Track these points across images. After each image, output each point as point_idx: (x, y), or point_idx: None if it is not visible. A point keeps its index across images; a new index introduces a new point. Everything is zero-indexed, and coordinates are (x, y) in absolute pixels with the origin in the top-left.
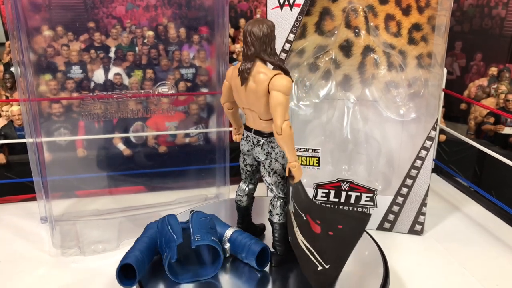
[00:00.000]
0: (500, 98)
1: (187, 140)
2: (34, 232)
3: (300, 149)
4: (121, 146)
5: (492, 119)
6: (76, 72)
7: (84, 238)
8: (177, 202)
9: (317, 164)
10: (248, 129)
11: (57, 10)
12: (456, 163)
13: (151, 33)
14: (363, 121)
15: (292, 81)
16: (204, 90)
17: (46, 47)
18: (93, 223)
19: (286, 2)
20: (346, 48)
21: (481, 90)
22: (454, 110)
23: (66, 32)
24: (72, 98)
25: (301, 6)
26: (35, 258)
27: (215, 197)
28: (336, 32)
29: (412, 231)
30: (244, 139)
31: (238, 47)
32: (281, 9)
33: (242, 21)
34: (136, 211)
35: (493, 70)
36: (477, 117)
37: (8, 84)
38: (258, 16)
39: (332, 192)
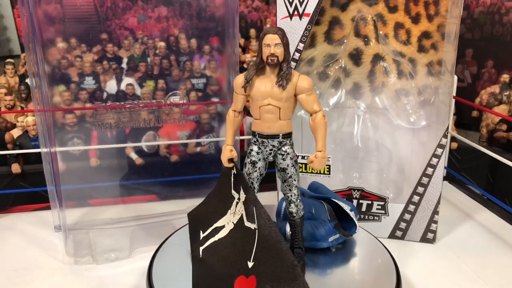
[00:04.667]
0: None
1: (198, 149)
2: (48, 241)
3: None
4: (133, 156)
5: (504, 126)
6: (89, 83)
7: (97, 247)
8: (188, 211)
9: (328, 172)
10: None
11: (71, 23)
12: (468, 171)
13: (162, 44)
14: (374, 129)
15: (246, 81)
16: (215, 99)
17: (60, 59)
18: (106, 231)
19: (296, 12)
20: (355, 57)
21: (493, 97)
22: (465, 118)
23: (80, 43)
24: (85, 108)
25: (310, 15)
26: (48, 266)
27: None
28: (345, 41)
29: (424, 239)
30: None
31: (248, 57)
32: (291, 19)
33: (252, 31)
34: (148, 220)
35: (505, 77)
36: (489, 125)
37: (23, 95)
38: (268, 26)
39: None
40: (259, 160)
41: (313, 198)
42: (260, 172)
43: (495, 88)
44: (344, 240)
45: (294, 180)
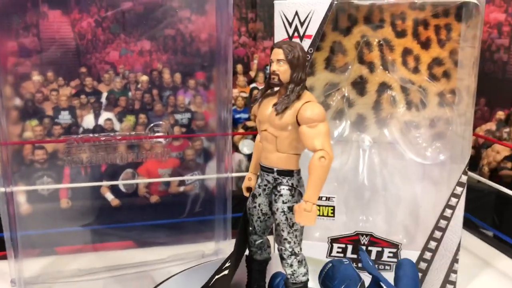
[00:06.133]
0: None
1: (181, 188)
2: None
3: None
4: (109, 196)
5: (509, 164)
6: (64, 117)
7: None
8: (170, 260)
9: (332, 215)
10: None
11: (48, 56)
12: (472, 212)
13: (145, 78)
14: (381, 165)
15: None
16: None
17: (35, 93)
18: (73, 286)
19: (296, 34)
20: (359, 85)
21: (490, 135)
22: None
23: (57, 77)
24: (52, 141)
25: (312, 37)
26: None
27: (214, 254)
28: (350, 67)
29: None
30: None
31: (235, 92)
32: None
33: (239, 67)
34: (123, 271)
35: (500, 114)
36: (491, 163)
37: None
38: (255, 62)
39: (350, 247)
40: (259, 195)
41: (366, 273)
42: (262, 210)
43: (491, 126)
44: None
45: (283, 230)
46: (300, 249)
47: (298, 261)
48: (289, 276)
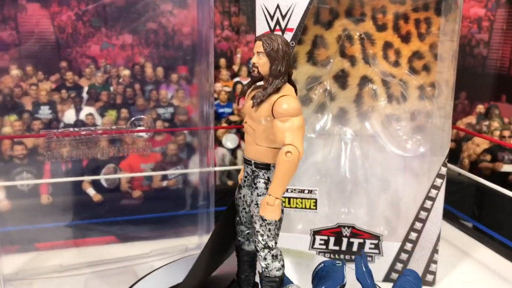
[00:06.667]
0: (494, 135)
1: (164, 183)
2: None
3: (294, 189)
4: (90, 191)
5: (488, 157)
6: (44, 112)
7: None
8: (153, 255)
9: (315, 207)
10: None
11: (27, 50)
12: (452, 204)
13: (127, 72)
14: (363, 158)
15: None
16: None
17: (14, 87)
18: (54, 282)
19: (277, 27)
20: (341, 79)
21: (471, 128)
22: None
23: (36, 71)
24: (32, 136)
25: (294, 31)
26: None
27: (197, 248)
28: (331, 60)
29: (423, 282)
30: None
31: (218, 86)
32: None
33: (222, 61)
34: (105, 266)
35: (480, 108)
36: (471, 155)
37: None
38: (238, 56)
39: (332, 239)
40: (244, 186)
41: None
42: (246, 201)
43: (471, 119)
44: None
45: (255, 223)
46: (275, 243)
47: (272, 255)
48: (262, 270)
